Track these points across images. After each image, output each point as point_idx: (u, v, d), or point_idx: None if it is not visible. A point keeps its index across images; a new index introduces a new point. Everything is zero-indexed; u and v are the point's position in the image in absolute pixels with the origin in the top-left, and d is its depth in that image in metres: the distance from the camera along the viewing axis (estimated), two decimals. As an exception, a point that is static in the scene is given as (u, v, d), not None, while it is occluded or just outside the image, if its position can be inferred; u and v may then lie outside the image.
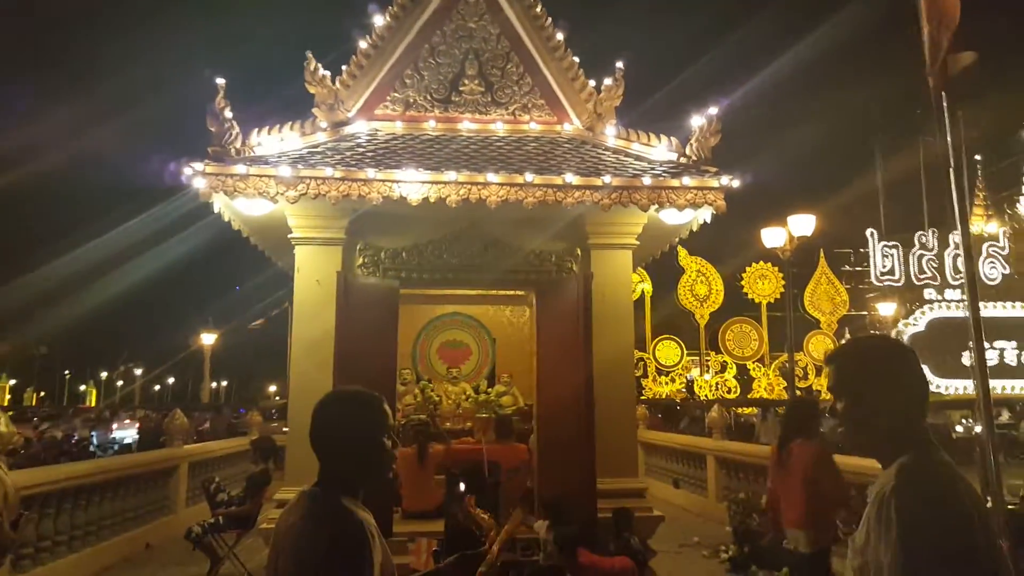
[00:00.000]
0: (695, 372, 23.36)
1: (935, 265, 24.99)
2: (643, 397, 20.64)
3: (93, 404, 53.23)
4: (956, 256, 24.01)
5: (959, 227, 3.39)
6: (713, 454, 10.39)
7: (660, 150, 7.10)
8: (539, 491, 6.24)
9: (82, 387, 64.70)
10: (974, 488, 1.47)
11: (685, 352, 22.85)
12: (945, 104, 3.44)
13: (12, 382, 52.96)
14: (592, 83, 7.34)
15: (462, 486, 4.48)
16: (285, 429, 7.93)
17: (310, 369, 6.36)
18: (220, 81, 6.12)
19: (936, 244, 24.89)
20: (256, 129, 6.67)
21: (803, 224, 13.62)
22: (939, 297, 24.94)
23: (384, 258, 6.69)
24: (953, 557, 1.33)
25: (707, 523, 9.60)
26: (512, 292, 8.64)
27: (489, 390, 8.78)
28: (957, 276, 24.25)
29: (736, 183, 6.41)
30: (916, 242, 25.25)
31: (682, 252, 22.11)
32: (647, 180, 6.31)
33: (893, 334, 24.57)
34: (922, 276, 25.03)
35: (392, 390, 6.64)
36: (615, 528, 5.55)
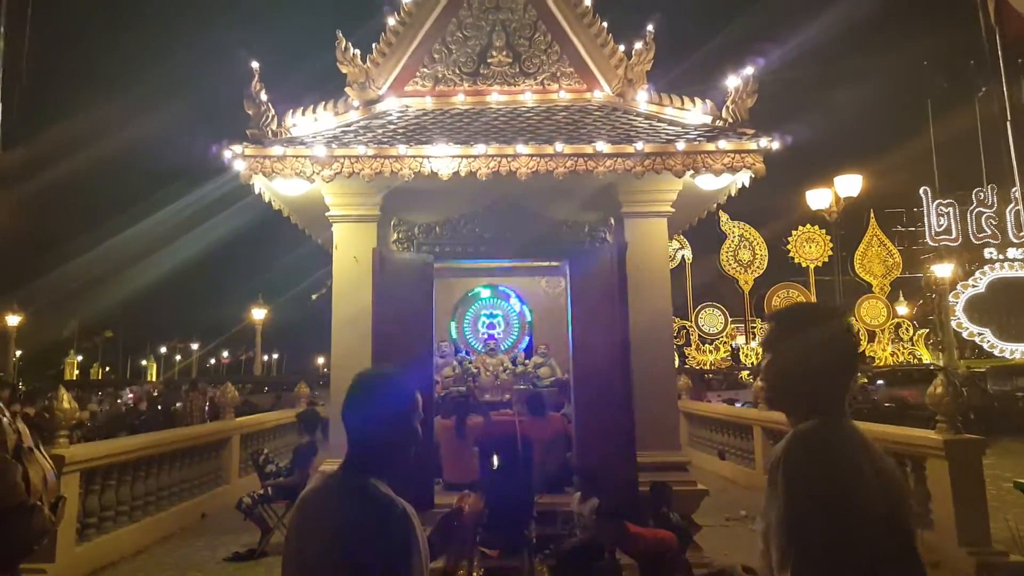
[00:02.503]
0: (740, 340, 23.02)
1: (995, 223, 23.91)
2: (687, 366, 20.47)
3: (153, 378, 55.58)
4: (1017, 212, 22.93)
5: (1019, 183, 3.23)
6: (760, 424, 10.26)
7: (695, 114, 6.92)
8: (577, 463, 6.30)
9: (143, 362, 67.48)
10: (881, 463, 1.51)
11: (729, 320, 22.49)
12: (1001, 53, 3.26)
13: (79, 358, 55.59)
14: (622, 48, 7.20)
15: (495, 460, 4.54)
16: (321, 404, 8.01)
17: (350, 343, 6.50)
18: (255, 65, 6.21)
19: (996, 201, 23.78)
20: (291, 110, 6.77)
21: (849, 184, 13.19)
22: (1000, 256, 23.89)
23: (418, 233, 6.76)
24: (833, 520, 1.37)
25: (755, 495, 9.48)
26: (547, 263, 8.63)
27: (526, 362, 8.84)
28: (1020, 234, 23.18)
29: (775, 145, 6.22)
30: (974, 199, 24.17)
31: (723, 217, 21.67)
32: (681, 145, 6.19)
33: (952, 296, 23.70)
34: (981, 235, 24.01)
35: (429, 362, 6.75)
36: (652, 503, 5.55)
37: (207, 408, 15.66)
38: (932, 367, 18.72)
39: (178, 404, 17.25)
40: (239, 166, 6.12)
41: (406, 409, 1.77)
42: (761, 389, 1.77)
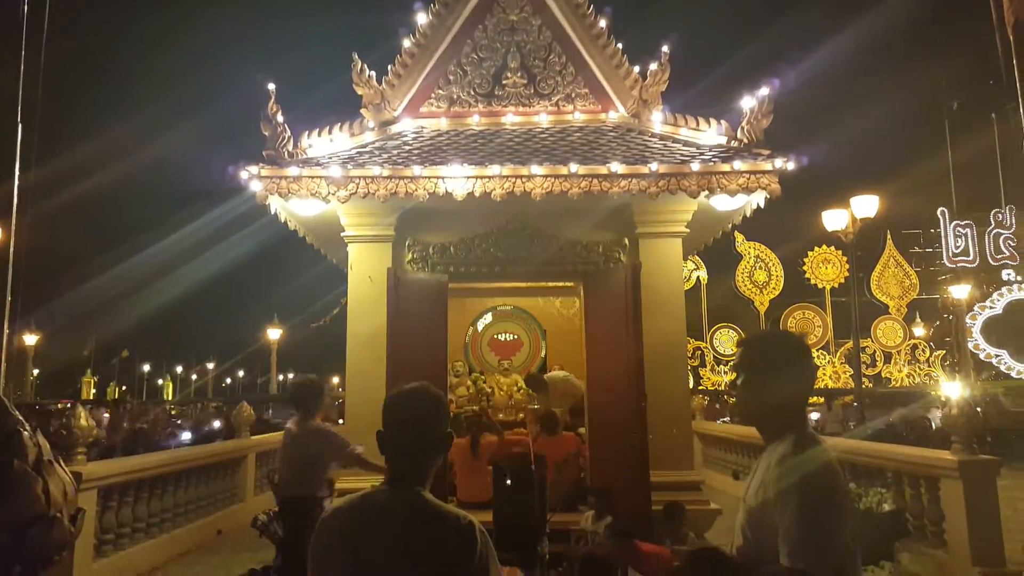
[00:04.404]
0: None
1: (1013, 244, 23.63)
2: (700, 387, 20.28)
3: (170, 397, 55.86)
4: (1037, 234, 22.72)
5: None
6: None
7: (710, 134, 6.96)
8: (591, 482, 6.25)
9: (159, 381, 67.90)
10: None
11: (744, 340, 22.33)
12: (1018, 75, 3.24)
13: (96, 378, 56.02)
14: (637, 69, 7.25)
15: (508, 479, 4.52)
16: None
17: (365, 363, 6.54)
18: (271, 86, 6.31)
19: (1014, 222, 23.53)
20: (307, 131, 6.86)
21: (866, 205, 13.10)
22: (1018, 278, 23.58)
23: (432, 253, 6.78)
24: (845, 513, 1.75)
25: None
26: (560, 284, 8.63)
27: (541, 381, 8.79)
28: (1039, 255, 22.91)
29: (791, 165, 6.25)
30: (992, 220, 23.91)
31: (739, 237, 21.60)
32: (696, 166, 6.22)
33: (968, 317, 23.38)
34: (999, 256, 23.73)
35: (443, 382, 6.73)
36: (666, 523, 5.50)
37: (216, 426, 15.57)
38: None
39: (144, 424, 17.01)
40: (255, 187, 6.19)
41: (444, 419, 1.87)
42: (735, 406, 1.92)
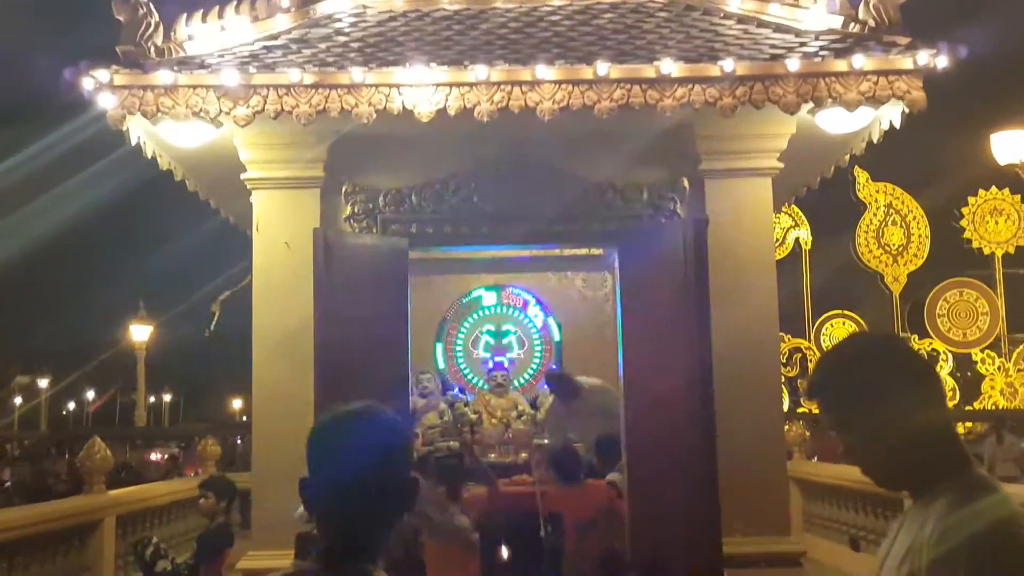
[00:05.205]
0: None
1: None
2: (801, 410, 20.38)
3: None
4: None
5: None
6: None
7: (815, 13, 6.98)
8: (631, 554, 6.37)
9: (-34, 408, 68.25)
10: None
11: (870, 336, 22.40)
12: None
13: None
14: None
15: (504, 551, 4.56)
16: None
17: (280, 375, 6.63)
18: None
19: None
20: (186, 15, 6.84)
21: (1058, 125, 13.15)
22: None
23: (384, 205, 6.84)
24: None
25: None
26: (584, 251, 8.71)
27: (554, 402, 8.88)
28: None
29: (941, 61, 6.27)
30: None
31: (861, 177, 21.56)
32: (794, 63, 6.24)
33: None
34: None
35: (404, 405, 6.79)
36: None
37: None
38: None
39: None
40: (106, 102, 6.17)
41: (405, 457, 1.88)
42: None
